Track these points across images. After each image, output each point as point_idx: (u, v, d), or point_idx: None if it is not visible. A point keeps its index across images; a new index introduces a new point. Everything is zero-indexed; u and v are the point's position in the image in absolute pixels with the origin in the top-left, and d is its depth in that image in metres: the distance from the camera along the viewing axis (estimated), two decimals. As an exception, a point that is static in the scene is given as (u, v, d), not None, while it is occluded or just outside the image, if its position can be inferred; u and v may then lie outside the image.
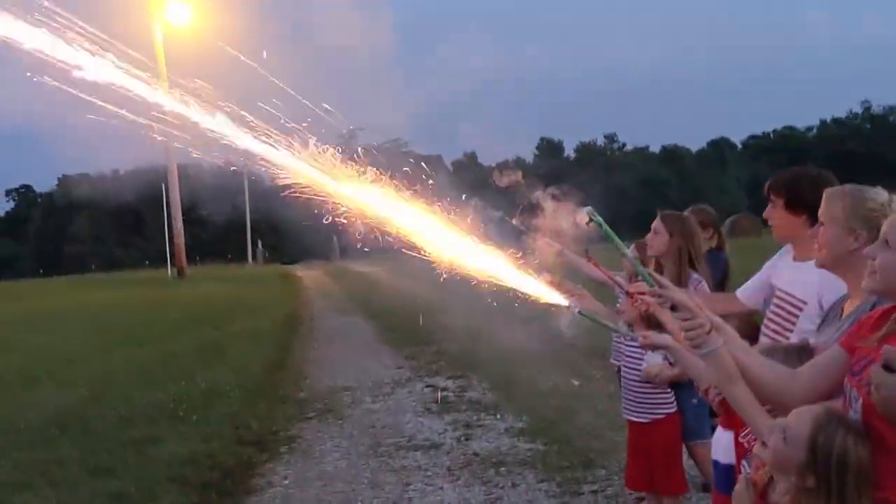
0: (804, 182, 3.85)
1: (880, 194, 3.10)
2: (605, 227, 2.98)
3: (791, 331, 3.73)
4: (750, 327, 4.24)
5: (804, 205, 3.65)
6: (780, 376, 2.79)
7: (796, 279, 3.80)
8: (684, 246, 5.21)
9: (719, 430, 4.08)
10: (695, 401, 5.32)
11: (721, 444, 3.98)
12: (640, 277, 3.01)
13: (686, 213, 5.91)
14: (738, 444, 3.55)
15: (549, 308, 5.21)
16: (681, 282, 4.90)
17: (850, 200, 3.11)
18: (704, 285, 5.19)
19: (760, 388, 2.79)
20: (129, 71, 3.58)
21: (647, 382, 5.27)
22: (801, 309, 3.74)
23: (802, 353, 3.05)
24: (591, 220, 3.04)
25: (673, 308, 2.85)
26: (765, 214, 4.01)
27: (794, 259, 3.91)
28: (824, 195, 3.18)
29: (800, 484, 2.53)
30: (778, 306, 3.90)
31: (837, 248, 3.13)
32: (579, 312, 3.22)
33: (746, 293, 4.34)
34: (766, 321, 3.98)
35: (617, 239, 2.98)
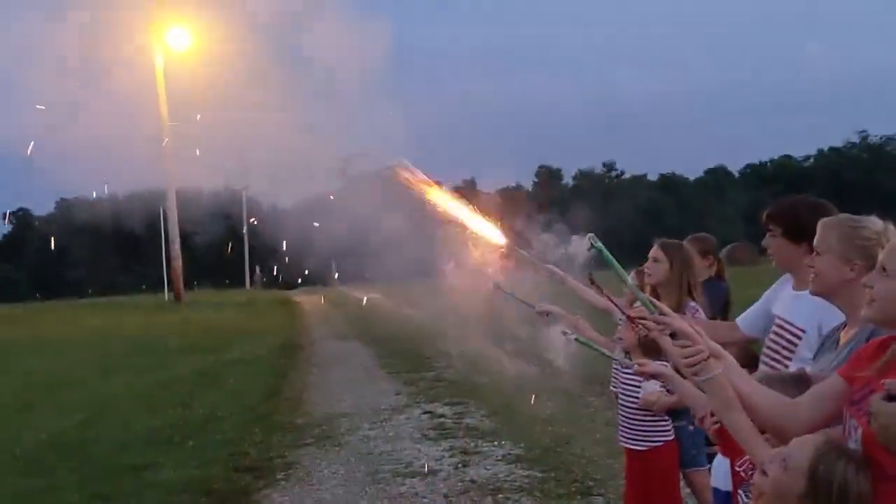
0: (803, 211, 3.82)
1: (875, 223, 3.12)
2: (606, 253, 2.99)
3: (790, 359, 3.73)
4: (748, 355, 4.25)
5: (803, 234, 3.61)
6: (779, 405, 2.80)
7: (796, 308, 3.80)
8: (684, 274, 5.23)
9: (719, 456, 4.08)
10: (691, 428, 5.32)
11: (721, 471, 3.98)
12: (638, 304, 3.02)
13: (686, 241, 5.93)
14: (734, 474, 3.55)
15: (545, 335, 5.27)
16: (679, 310, 4.91)
17: (846, 230, 3.13)
18: (701, 313, 5.20)
19: (759, 416, 2.80)
20: None
21: (644, 410, 5.27)
22: (800, 337, 3.75)
23: (800, 381, 3.06)
24: (592, 245, 3.05)
25: (672, 335, 2.87)
26: (763, 243, 4.00)
27: (794, 288, 3.90)
28: (819, 225, 3.20)
29: None
30: (777, 334, 3.90)
31: (833, 278, 3.15)
32: (576, 339, 3.22)
33: (746, 322, 4.34)
34: (764, 349, 3.98)
35: (618, 265, 2.99)
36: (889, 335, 2.64)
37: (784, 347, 3.80)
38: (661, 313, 2.89)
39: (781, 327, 3.87)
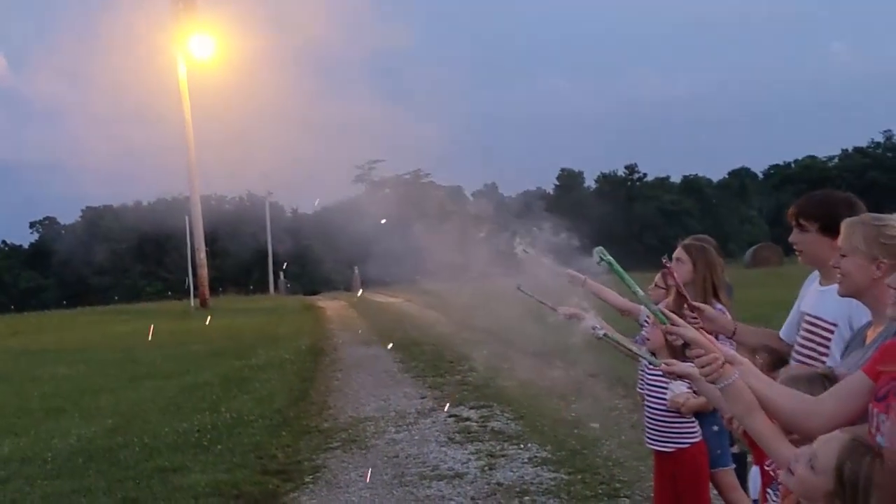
0: (840, 205, 3.77)
1: None
2: (616, 266, 2.98)
3: (825, 355, 3.66)
4: (780, 358, 4.23)
5: (839, 228, 3.46)
6: (801, 403, 2.82)
7: (824, 303, 3.75)
8: (708, 276, 5.23)
9: (755, 467, 4.07)
10: (715, 428, 5.33)
11: (757, 482, 3.98)
12: (649, 315, 3.02)
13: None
14: (763, 473, 3.56)
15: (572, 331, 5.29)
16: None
17: (870, 229, 3.13)
18: (728, 315, 5.19)
19: (782, 416, 2.81)
20: None
21: (671, 412, 5.28)
22: (831, 332, 3.71)
23: (826, 380, 3.07)
24: (601, 259, 3.05)
25: (685, 345, 2.89)
26: (791, 239, 3.92)
27: (821, 283, 3.87)
28: (843, 225, 3.20)
29: None
30: (808, 331, 3.86)
31: (860, 278, 3.16)
32: (604, 335, 3.22)
33: (788, 332, 4.20)
34: (796, 347, 3.93)
35: (628, 277, 2.98)
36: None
37: (819, 344, 3.75)
38: (673, 323, 2.91)
39: (813, 324, 3.83)
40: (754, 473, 4.09)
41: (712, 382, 2.80)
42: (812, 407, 2.79)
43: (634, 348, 3.45)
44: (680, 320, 2.93)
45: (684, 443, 5.29)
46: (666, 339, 4.82)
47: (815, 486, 2.56)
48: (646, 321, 5.50)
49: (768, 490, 3.43)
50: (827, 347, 3.71)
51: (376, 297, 39.97)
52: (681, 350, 3.75)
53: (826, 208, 3.83)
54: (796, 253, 3.94)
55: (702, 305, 4.37)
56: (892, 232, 3.11)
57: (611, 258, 2.98)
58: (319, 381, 14.96)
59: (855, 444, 2.55)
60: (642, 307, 5.82)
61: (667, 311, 2.98)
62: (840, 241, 3.19)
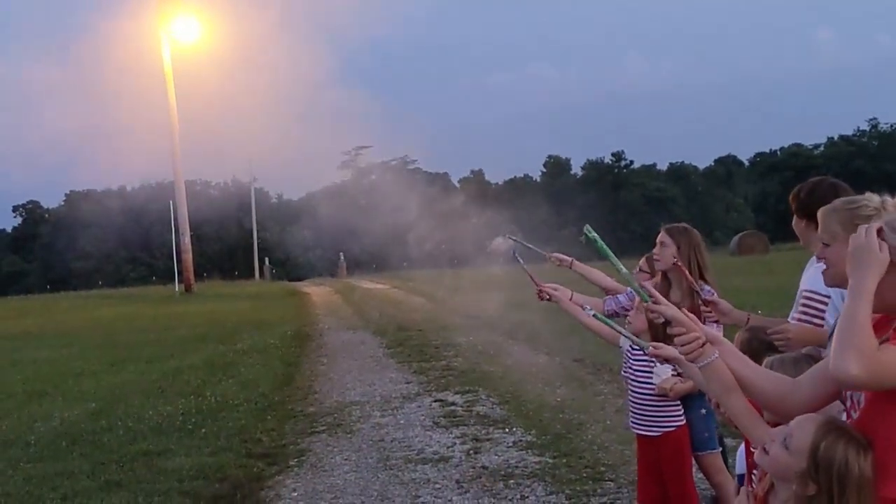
0: (803, 189, 4.13)
1: (872, 199, 3.09)
2: (601, 243, 2.98)
3: (821, 327, 3.80)
4: (764, 342, 4.24)
5: (804, 211, 3.89)
6: (780, 385, 2.82)
7: (817, 276, 3.81)
8: (693, 257, 5.21)
9: (742, 445, 4.10)
10: (703, 411, 5.33)
11: (743, 459, 4.00)
12: (633, 292, 3.03)
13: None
14: (748, 454, 3.56)
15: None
16: (691, 294, 4.91)
17: (845, 213, 3.10)
18: (716, 297, 5.18)
19: (761, 397, 2.82)
20: None
21: (655, 396, 5.28)
22: (825, 304, 3.78)
23: (812, 361, 3.07)
24: (586, 236, 3.05)
25: (666, 323, 2.88)
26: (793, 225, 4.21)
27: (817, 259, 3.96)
28: (819, 214, 3.17)
29: (801, 492, 2.56)
30: (805, 305, 3.97)
31: (845, 264, 3.14)
32: (594, 315, 3.22)
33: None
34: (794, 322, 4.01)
35: (612, 255, 2.99)
36: (882, 315, 2.65)
37: (814, 316, 3.87)
38: (655, 301, 2.90)
39: (810, 298, 3.95)
40: (741, 451, 4.11)
41: (692, 361, 2.80)
42: (789, 388, 2.80)
43: (623, 330, 3.45)
44: (662, 298, 2.92)
45: (669, 427, 5.29)
46: (649, 323, 4.83)
47: (788, 465, 2.59)
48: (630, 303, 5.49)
49: (754, 472, 3.44)
50: (822, 319, 3.77)
51: (363, 283, 39.95)
52: (662, 333, 3.74)
53: (796, 193, 4.16)
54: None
55: (716, 299, 4.41)
56: (867, 211, 3.08)
57: (595, 235, 2.98)
58: (305, 365, 14.95)
59: (830, 427, 2.57)
60: (628, 288, 5.82)
61: (649, 288, 2.97)
62: (819, 231, 3.17)
